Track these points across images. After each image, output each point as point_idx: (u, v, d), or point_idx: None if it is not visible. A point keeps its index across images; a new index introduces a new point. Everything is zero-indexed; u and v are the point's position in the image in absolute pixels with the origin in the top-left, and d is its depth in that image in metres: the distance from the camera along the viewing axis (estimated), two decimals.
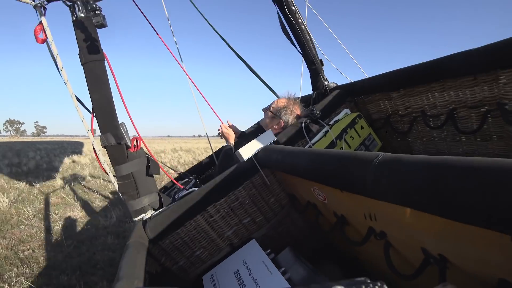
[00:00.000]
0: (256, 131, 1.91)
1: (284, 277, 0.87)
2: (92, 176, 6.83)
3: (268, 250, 1.06)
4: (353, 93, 1.71)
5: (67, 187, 5.63)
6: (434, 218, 0.48)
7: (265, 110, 1.74)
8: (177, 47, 1.92)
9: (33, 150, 13.45)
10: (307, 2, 1.82)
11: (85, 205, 4.50)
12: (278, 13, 1.76)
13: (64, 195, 4.88)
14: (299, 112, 1.65)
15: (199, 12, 1.97)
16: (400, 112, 1.52)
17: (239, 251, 1.15)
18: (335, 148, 1.34)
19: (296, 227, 1.32)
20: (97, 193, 5.29)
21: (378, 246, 0.79)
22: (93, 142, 1.16)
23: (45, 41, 1.11)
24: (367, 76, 1.66)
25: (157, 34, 1.76)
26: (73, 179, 6.41)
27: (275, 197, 1.27)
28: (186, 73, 1.79)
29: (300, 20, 1.75)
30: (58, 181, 6.06)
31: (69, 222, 3.72)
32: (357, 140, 1.45)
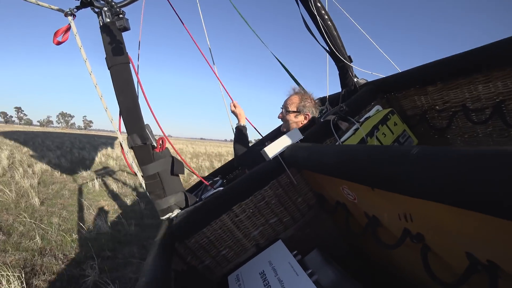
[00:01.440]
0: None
1: (311, 279, 0.82)
2: None
3: (295, 251, 1.02)
4: (384, 88, 1.62)
5: None
6: (483, 218, 0.41)
7: (283, 115, 1.75)
8: (210, 48, 1.94)
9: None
10: None
11: None
12: (300, 12, 1.72)
13: None
14: (313, 100, 1.72)
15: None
16: (437, 107, 1.41)
17: (265, 252, 1.12)
18: None
19: (324, 228, 1.26)
20: None
21: (414, 250, 0.72)
22: (121, 142, 1.20)
23: (61, 43, 1.17)
24: (400, 70, 1.57)
25: (192, 38, 1.80)
26: None
27: (302, 197, 1.23)
28: (216, 75, 1.81)
29: (326, 17, 1.69)
30: None
31: None
32: (390, 137, 1.36)
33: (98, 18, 1.20)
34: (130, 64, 1.19)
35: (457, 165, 0.41)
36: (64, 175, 6.24)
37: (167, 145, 1.26)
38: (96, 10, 1.18)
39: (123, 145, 1.20)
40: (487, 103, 1.21)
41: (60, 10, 1.17)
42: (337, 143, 1.26)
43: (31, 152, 8.87)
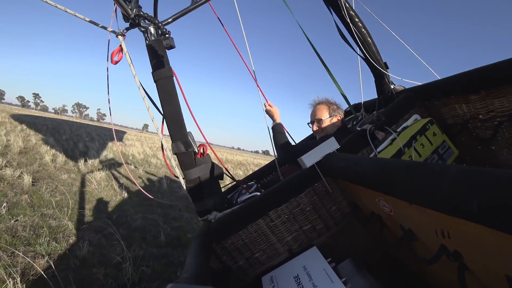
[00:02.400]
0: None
1: (345, 287, 0.85)
2: None
3: (329, 259, 1.05)
4: (423, 96, 1.57)
5: None
6: None
7: (313, 123, 1.85)
8: (250, 56, 2.01)
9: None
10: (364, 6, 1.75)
11: None
12: (334, 20, 1.74)
13: None
14: (335, 103, 1.86)
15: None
16: (480, 116, 1.35)
17: (299, 257, 1.15)
18: (402, 157, 1.25)
19: (358, 238, 1.27)
20: None
21: (450, 267, 0.71)
22: (165, 148, 1.30)
23: (117, 62, 1.30)
24: (439, 77, 1.52)
25: (233, 43, 1.87)
26: None
27: (337, 206, 1.24)
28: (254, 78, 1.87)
29: (360, 24, 1.69)
30: None
31: None
32: (428, 148, 1.33)
33: (144, 36, 1.31)
34: (174, 77, 1.29)
35: (499, 188, 0.41)
36: (122, 170, 6.57)
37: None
38: (142, 29, 1.30)
39: (167, 151, 1.30)
40: None
41: (112, 31, 1.31)
42: (373, 154, 1.26)
43: (71, 141, 9.50)
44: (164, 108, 1.26)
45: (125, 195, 4.31)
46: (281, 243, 1.24)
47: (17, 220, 2.76)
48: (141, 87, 1.29)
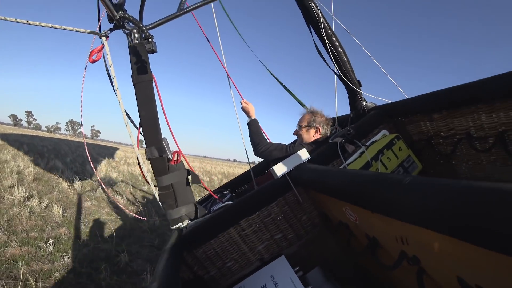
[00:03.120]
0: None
1: None
2: None
3: (297, 268, 1.06)
4: (392, 113, 1.67)
5: None
6: (471, 246, 0.45)
7: (297, 132, 1.88)
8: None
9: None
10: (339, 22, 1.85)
11: None
12: (313, 38, 1.82)
13: None
14: (324, 117, 1.83)
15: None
16: (442, 133, 1.45)
17: (268, 266, 1.16)
18: (370, 169, 1.31)
19: (327, 247, 1.29)
20: None
21: (410, 272, 0.75)
22: (138, 156, 1.29)
23: (95, 61, 1.28)
24: (407, 97, 1.62)
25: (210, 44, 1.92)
26: None
27: (307, 215, 1.27)
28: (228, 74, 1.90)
29: (337, 43, 1.78)
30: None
31: None
32: (394, 162, 1.40)
33: (128, 38, 1.31)
34: (153, 82, 1.29)
35: (445, 196, 0.45)
36: (137, 194, 6.39)
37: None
38: (126, 31, 1.30)
39: (139, 158, 1.29)
40: (490, 132, 1.25)
41: (95, 33, 1.30)
42: (342, 166, 1.31)
43: (77, 163, 9.08)
44: (141, 112, 1.25)
45: (157, 223, 4.23)
46: (253, 252, 1.24)
47: (69, 257, 2.66)
48: (118, 90, 1.28)
